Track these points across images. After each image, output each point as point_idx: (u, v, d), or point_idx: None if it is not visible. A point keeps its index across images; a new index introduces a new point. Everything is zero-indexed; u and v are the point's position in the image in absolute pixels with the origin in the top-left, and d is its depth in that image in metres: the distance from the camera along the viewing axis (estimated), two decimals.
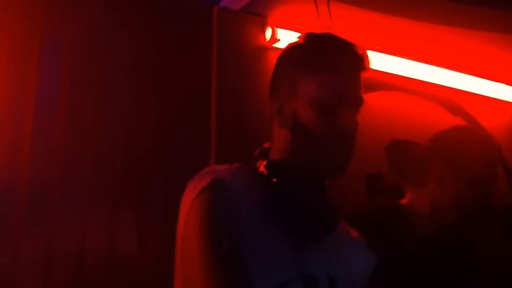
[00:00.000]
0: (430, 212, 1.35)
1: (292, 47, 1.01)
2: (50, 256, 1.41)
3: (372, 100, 2.04)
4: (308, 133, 0.95)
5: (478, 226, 1.55)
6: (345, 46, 0.97)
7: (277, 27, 1.83)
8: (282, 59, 1.02)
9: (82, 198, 1.49)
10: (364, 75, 0.98)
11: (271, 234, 0.91)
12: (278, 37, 1.82)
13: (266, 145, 1.03)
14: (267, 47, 1.84)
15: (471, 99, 2.26)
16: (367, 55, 0.98)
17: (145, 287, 1.49)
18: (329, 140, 0.94)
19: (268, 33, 1.83)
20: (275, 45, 1.84)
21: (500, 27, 1.95)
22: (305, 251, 0.93)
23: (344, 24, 1.82)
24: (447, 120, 2.17)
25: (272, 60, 1.77)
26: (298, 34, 1.04)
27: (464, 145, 1.38)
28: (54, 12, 1.56)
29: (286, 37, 1.82)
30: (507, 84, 2.33)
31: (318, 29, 1.02)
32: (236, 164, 0.99)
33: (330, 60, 0.96)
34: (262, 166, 0.96)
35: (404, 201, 1.41)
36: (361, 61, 0.97)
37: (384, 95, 2.04)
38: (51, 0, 1.56)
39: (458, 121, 2.20)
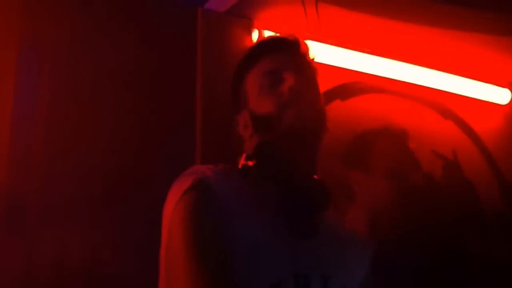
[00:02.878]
0: (368, 228, 1.36)
1: (236, 65, 1.16)
2: (28, 268, 1.38)
3: (362, 103, 2.04)
4: (264, 118, 1.02)
5: (469, 230, 1.56)
6: (266, 40, 1.13)
7: (264, 29, 1.80)
8: (231, 80, 1.15)
9: (61, 208, 1.45)
10: (305, 56, 1.09)
11: (260, 233, 0.91)
12: None
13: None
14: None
15: (461, 101, 2.26)
16: (296, 39, 1.10)
17: None
18: (282, 111, 1.00)
19: (255, 35, 1.80)
20: None
21: (491, 29, 1.95)
22: (297, 251, 0.93)
23: (333, 26, 1.81)
24: (437, 123, 2.17)
25: None
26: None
27: (366, 148, 1.43)
28: (34, 14, 1.53)
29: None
30: (498, 86, 2.33)
31: (305, 31, 1.10)
32: (220, 165, 1.00)
33: (257, 53, 1.10)
34: (242, 160, 0.97)
35: (345, 218, 1.40)
36: (292, 44, 1.09)
37: (374, 98, 2.03)
38: (31, 2, 1.53)
39: (449, 123, 2.20)
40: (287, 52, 1.07)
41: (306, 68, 1.08)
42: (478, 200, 1.57)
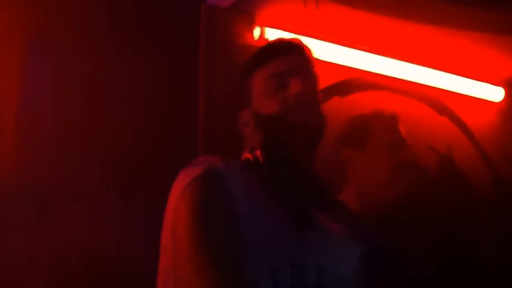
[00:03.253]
0: (360, 206, 1.41)
1: (243, 65, 1.19)
2: (33, 253, 1.40)
3: (361, 100, 2.07)
4: (268, 118, 1.04)
5: (463, 221, 1.59)
6: (279, 41, 1.15)
7: (265, 26, 1.83)
8: (239, 78, 1.18)
9: (65, 195, 1.48)
10: (309, 60, 1.12)
11: (263, 222, 0.94)
12: (267, 36, 1.81)
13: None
14: (256, 46, 1.84)
15: (456, 98, 2.29)
16: (301, 43, 1.14)
17: (128, 283, 1.49)
18: (287, 113, 1.03)
19: (257, 32, 1.82)
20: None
21: (486, 27, 1.97)
22: (295, 241, 0.96)
23: (333, 23, 1.84)
24: (433, 119, 2.21)
25: None
26: (286, 33, 1.16)
27: (360, 128, 1.49)
28: (38, 9, 1.54)
29: (274, 36, 1.81)
30: (491, 84, 2.37)
31: (306, 28, 1.12)
32: (226, 157, 1.02)
33: (263, 56, 1.13)
34: (246, 153, 1.02)
35: (341, 197, 1.44)
36: (297, 47, 1.12)
37: (372, 95, 2.06)
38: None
39: (444, 120, 2.24)
40: (294, 56, 1.11)
41: (311, 72, 1.11)
42: (472, 193, 1.61)
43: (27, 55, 1.51)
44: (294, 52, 1.12)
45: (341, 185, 1.48)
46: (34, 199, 1.44)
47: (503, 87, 2.38)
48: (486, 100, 2.36)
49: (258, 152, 1.00)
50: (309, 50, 1.14)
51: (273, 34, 1.83)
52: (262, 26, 1.83)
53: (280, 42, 1.15)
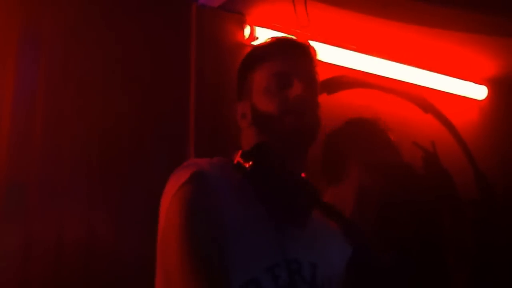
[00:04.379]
0: (356, 205, 1.37)
1: (245, 55, 1.15)
2: (29, 244, 1.42)
3: (348, 97, 2.09)
4: (266, 117, 1.02)
5: (445, 215, 1.61)
6: (281, 40, 1.11)
7: (255, 26, 1.86)
8: (239, 67, 1.14)
9: (60, 188, 1.50)
10: (313, 62, 1.09)
11: (254, 222, 0.95)
12: (257, 35, 1.85)
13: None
14: (246, 45, 1.87)
15: (441, 97, 2.32)
16: (307, 43, 1.10)
17: (124, 274, 1.51)
18: (284, 116, 1.01)
19: (247, 31, 1.86)
20: (253, 43, 1.86)
21: (469, 28, 2.01)
22: (287, 239, 0.96)
23: (321, 23, 1.87)
24: (418, 117, 2.24)
25: None
26: (276, 32, 1.15)
27: (358, 135, 1.43)
28: (33, 4, 1.56)
29: (265, 35, 1.85)
30: (475, 82, 2.41)
31: (295, 28, 1.12)
32: (216, 158, 1.04)
33: (269, 52, 1.09)
34: (237, 157, 1.00)
35: (326, 198, 1.42)
36: (303, 49, 1.09)
37: (359, 92, 2.09)
38: None
39: (429, 117, 2.27)
40: (299, 57, 1.08)
41: (313, 77, 1.08)
42: (454, 187, 1.63)
43: (22, 55, 1.53)
44: (301, 53, 1.08)
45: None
46: (30, 194, 1.46)
47: (486, 85, 2.42)
48: (469, 98, 2.40)
49: (246, 164, 0.98)
50: (315, 52, 1.11)
51: (262, 33, 1.86)
52: (252, 25, 1.86)
53: (287, 41, 1.11)
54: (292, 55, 1.07)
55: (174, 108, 1.73)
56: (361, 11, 1.89)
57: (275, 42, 1.11)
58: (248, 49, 1.81)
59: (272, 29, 1.88)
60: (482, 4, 1.90)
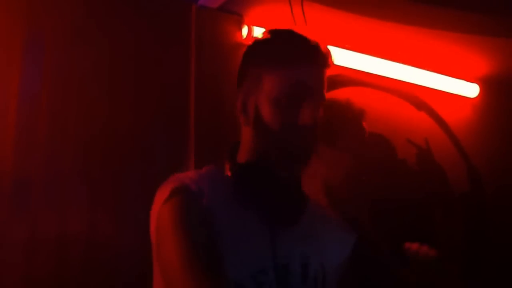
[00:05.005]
0: (324, 193, 1.42)
1: (257, 42, 1.03)
2: (32, 239, 1.45)
3: (343, 95, 2.12)
4: (267, 129, 0.95)
5: (437, 210, 1.65)
6: (306, 43, 0.97)
7: (253, 26, 1.89)
8: (247, 54, 1.03)
9: (63, 185, 1.53)
10: (327, 72, 0.98)
11: (243, 227, 0.95)
12: (254, 35, 1.87)
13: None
14: (244, 45, 1.87)
15: (434, 95, 2.35)
16: (329, 51, 0.99)
17: (124, 267, 1.54)
18: (289, 138, 0.94)
19: (245, 31, 1.89)
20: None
21: (461, 28, 2.04)
22: (277, 242, 0.96)
23: (317, 23, 1.89)
24: (412, 114, 2.26)
25: None
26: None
27: (330, 120, 1.45)
28: (36, 7, 1.58)
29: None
30: (467, 81, 2.44)
31: (292, 28, 1.07)
32: (206, 167, 1.03)
33: (290, 56, 0.96)
34: (227, 170, 1.00)
35: (306, 187, 1.48)
36: (322, 57, 0.97)
37: (354, 90, 2.12)
38: None
39: (422, 115, 2.29)
40: (317, 69, 0.97)
41: (324, 90, 0.99)
42: (447, 182, 1.67)
43: (26, 56, 1.55)
44: (319, 65, 0.97)
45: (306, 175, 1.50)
46: (34, 190, 1.49)
47: (477, 84, 2.45)
48: (462, 96, 2.43)
49: (229, 172, 0.98)
50: (332, 61, 1.00)
51: (260, 33, 1.87)
52: (250, 25, 1.89)
53: (309, 46, 0.97)
54: (308, 67, 0.95)
55: (174, 108, 1.75)
56: (356, 12, 1.91)
57: (292, 43, 0.97)
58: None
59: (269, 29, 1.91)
60: (474, 5, 1.92)
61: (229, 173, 1.00)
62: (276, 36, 1.01)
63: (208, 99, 1.79)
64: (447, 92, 2.39)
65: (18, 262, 1.42)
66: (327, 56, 0.99)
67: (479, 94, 2.46)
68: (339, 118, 1.46)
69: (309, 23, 1.74)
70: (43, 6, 1.59)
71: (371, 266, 1.18)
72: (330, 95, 1.98)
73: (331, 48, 1.00)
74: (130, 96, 1.68)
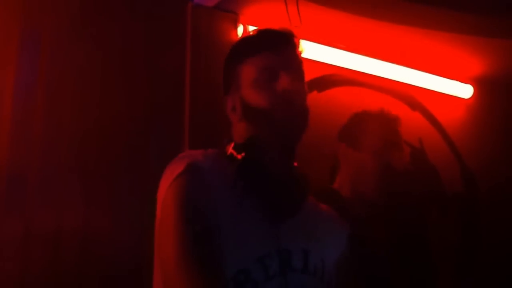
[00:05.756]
0: (351, 193, 1.46)
1: (231, 48, 1.14)
2: (28, 235, 1.46)
3: (338, 95, 2.13)
4: (255, 111, 1.03)
5: (431, 209, 1.66)
6: (269, 31, 1.10)
7: (248, 24, 1.90)
8: (226, 60, 1.14)
9: (59, 181, 1.54)
10: (298, 51, 1.09)
11: (246, 212, 0.97)
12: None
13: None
14: None
15: (428, 95, 2.37)
16: (292, 34, 1.10)
17: (119, 262, 1.55)
18: (275, 109, 1.01)
19: (240, 29, 1.90)
20: None
21: (456, 29, 2.05)
22: (279, 228, 0.99)
23: (312, 22, 1.91)
24: (406, 114, 2.26)
25: None
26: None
27: (359, 126, 1.51)
28: (33, 4, 1.59)
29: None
30: (461, 81, 2.45)
31: (287, 27, 1.11)
32: (211, 150, 1.05)
33: (259, 44, 1.07)
34: (230, 149, 1.02)
35: (334, 185, 1.51)
36: (287, 38, 1.09)
37: (348, 90, 2.13)
38: None
39: (417, 115, 2.31)
40: (286, 50, 1.08)
41: (300, 68, 1.08)
42: (440, 182, 1.68)
43: (23, 51, 1.56)
44: (287, 45, 1.08)
45: (336, 170, 1.53)
46: (29, 186, 1.50)
47: (471, 84, 2.47)
48: (455, 97, 2.45)
49: (238, 156, 1.01)
50: (298, 40, 1.10)
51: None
52: (245, 24, 1.90)
53: (273, 33, 1.09)
54: (277, 47, 1.07)
55: (170, 104, 1.76)
56: (351, 12, 1.92)
57: (260, 34, 1.11)
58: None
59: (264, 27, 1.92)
60: (468, 6, 1.94)
61: (233, 152, 1.02)
62: (243, 38, 1.17)
63: (203, 96, 1.80)
64: (442, 93, 2.41)
65: (13, 258, 1.43)
66: (288, 37, 1.09)
67: (473, 95, 2.48)
68: (366, 122, 1.51)
69: (304, 22, 1.75)
70: (39, 3, 1.60)
71: (369, 262, 1.20)
72: (325, 94, 2.04)
73: (323, 46, 1.07)
74: (125, 93, 1.69)
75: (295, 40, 1.10)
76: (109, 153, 1.62)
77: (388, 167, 1.46)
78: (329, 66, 2.09)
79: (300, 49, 1.10)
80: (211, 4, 1.85)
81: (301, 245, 1.01)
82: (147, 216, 1.04)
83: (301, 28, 1.78)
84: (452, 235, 1.74)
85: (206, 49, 1.85)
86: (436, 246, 1.65)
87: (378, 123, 1.51)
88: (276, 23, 1.86)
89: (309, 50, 1.99)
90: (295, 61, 1.08)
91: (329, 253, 1.06)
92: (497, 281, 1.88)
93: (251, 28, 1.90)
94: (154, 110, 1.72)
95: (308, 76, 1.70)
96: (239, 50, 1.11)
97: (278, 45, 1.07)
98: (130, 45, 1.72)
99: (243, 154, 1.00)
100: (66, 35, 1.62)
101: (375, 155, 1.46)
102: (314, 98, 1.95)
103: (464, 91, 2.46)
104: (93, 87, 1.64)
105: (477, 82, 2.48)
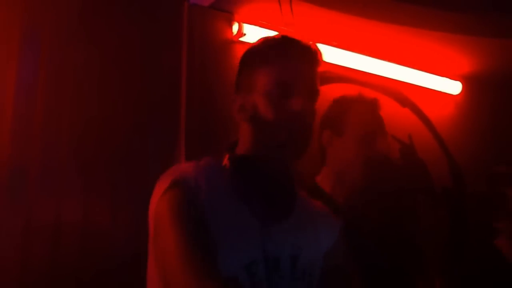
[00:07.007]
0: (337, 182, 1.47)
1: (250, 48, 1.10)
2: (28, 227, 1.49)
3: (329, 91, 2.16)
4: (263, 122, 1.01)
5: (420, 202, 1.69)
6: (294, 41, 1.04)
7: (243, 23, 1.94)
8: (243, 59, 1.10)
9: (59, 174, 1.56)
10: (318, 68, 1.05)
11: (237, 220, 0.98)
12: (244, 32, 1.93)
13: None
14: (234, 41, 1.95)
15: (418, 91, 2.40)
16: (318, 49, 1.05)
17: (118, 255, 1.58)
18: (281, 127, 0.99)
19: (235, 28, 1.94)
20: (241, 39, 1.94)
21: (445, 27, 2.09)
22: (270, 234, 0.99)
23: (305, 21, 1.94)
24: (396, 110, 2.31)
25: (238, 53, 1.87)
26: (262, 29, 1.12)
27: (339, 111, 1.51)
28: (33, 3, 1.61)
29: (252, 32, 1.93)
30: (450, 78, 2.50)
31: (280, 25, 1.10)
32: (205, 159, 1.06)
33: (280, 53, 1.03)
34: (225, 160, 1.03)
35: (318, 178, 1.52)
36: (311, 54, 1.04)
37: (340, 87, 2.15)
38: None
39: (406, 111, 2.34)
40: (303, 64, 1.03)
41: (315, 85, 1.05)
42: (429, 177, 1.71)
43: (24, 49, 1.58)
44: (306, 61, 1.03)
45: (320, 164, 1.54)
46: (30, 179, 1.52)
47: (460, 81, 2.51)
48: (445, 93, 2.49)
49: (227, 162, 1.03)
50: (321, 57, 1.05)
51: (250, 30, 1.94)
52: (240, 22, 1.93)
53: (298, 45, 1.04)
54: (297, 62, 1.02)
55: (166, 103, 1.78)
56: (343, 11, 1.95)
57: (282, 43, 1.04)
58: (237, 45, 1.91)
59: (259, 26, 1.95)
60: (457, 5, 1.98)
61: (226, 164, 1.03)
62: (267, 40, 1.09)
63: (199, 94, 1.83)
64: (431, 89, 2.44)
65: (14, 250, 1.46)
66: (315, 54, 1.05)
67: (461, 92, 2.51)
68: (347, 106, 1.50)
69: (297, 21, 1.78)
70: (39, 3, 1.62)
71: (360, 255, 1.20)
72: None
73: (320, 46, 1.07)
74: (122, 90, 1.71)
75: (319, 56, 1.05)
76: (107, 148, 1.65)
77: (373, 151, 1.46)
78: (324, 64, 2.11)
79: (320, 65, 1.05)
80: (207, 3, 1.88)
81: (290, 251, 1.01)
82: (145, 210, 1.06)
83: (294, 26, 1.81)
84: (442, 229, 1.78)
85: (201, 48, 1.87)
86: (426, 239, 1.68)
87: (358, 106, 1.51)
88: (270, 21, 1.92)
89: (324, 54, 1.99)
90: (312, 80, 1.04)
91: (320, 247, 1.07)
92: (483, 274, 1.92)
93: (245, 27, 1.93)
94: (150, 107, 1.75)
95: None
96: (259, 53, 1.06)
97: (299, 60, 1.03)
98: (127, 44, 1.74)
99: (235, 165, 1.02)
100: (65, 34, 1.65)
101: (358, 139, 1.47)
102: None
103: (453, 87, 2.50)
104: (91, 84, 1.67)
105: (465, 79, 2.52)
